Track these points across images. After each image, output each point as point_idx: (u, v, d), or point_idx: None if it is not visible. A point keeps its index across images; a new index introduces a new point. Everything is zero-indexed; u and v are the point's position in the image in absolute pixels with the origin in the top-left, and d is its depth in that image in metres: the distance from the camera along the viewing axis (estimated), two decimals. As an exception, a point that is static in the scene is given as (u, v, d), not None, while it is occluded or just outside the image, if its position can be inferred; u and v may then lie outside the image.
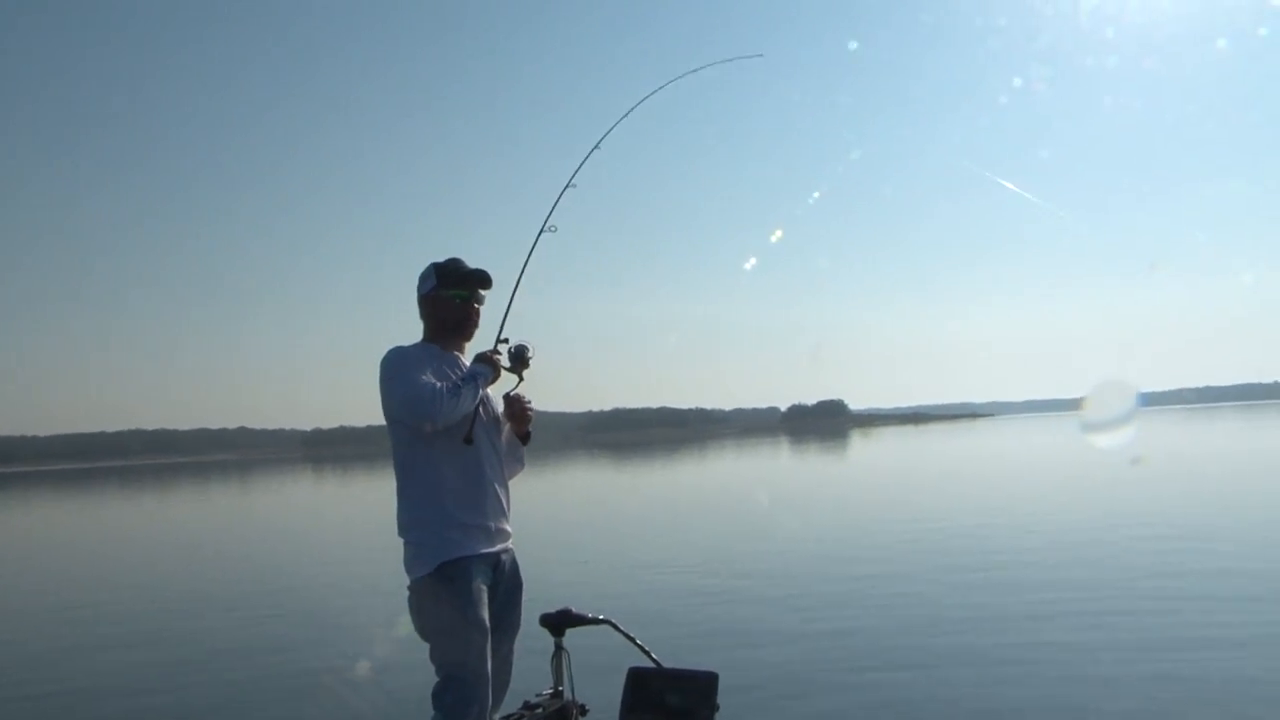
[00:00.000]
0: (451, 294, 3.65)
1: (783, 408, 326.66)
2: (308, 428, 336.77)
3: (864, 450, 60.44)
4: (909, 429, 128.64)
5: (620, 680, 4.19)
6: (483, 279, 3.70)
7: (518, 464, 3.92)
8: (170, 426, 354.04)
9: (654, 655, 4.28)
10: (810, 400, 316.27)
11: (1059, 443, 51.70)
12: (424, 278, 3.71)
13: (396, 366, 3.53)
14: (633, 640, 4.28)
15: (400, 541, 3.59)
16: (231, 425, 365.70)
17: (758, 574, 11.72)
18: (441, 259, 3.74)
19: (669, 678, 4.19)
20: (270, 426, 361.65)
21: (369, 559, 15.53)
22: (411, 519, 3.55)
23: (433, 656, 3.47)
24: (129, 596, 13.24)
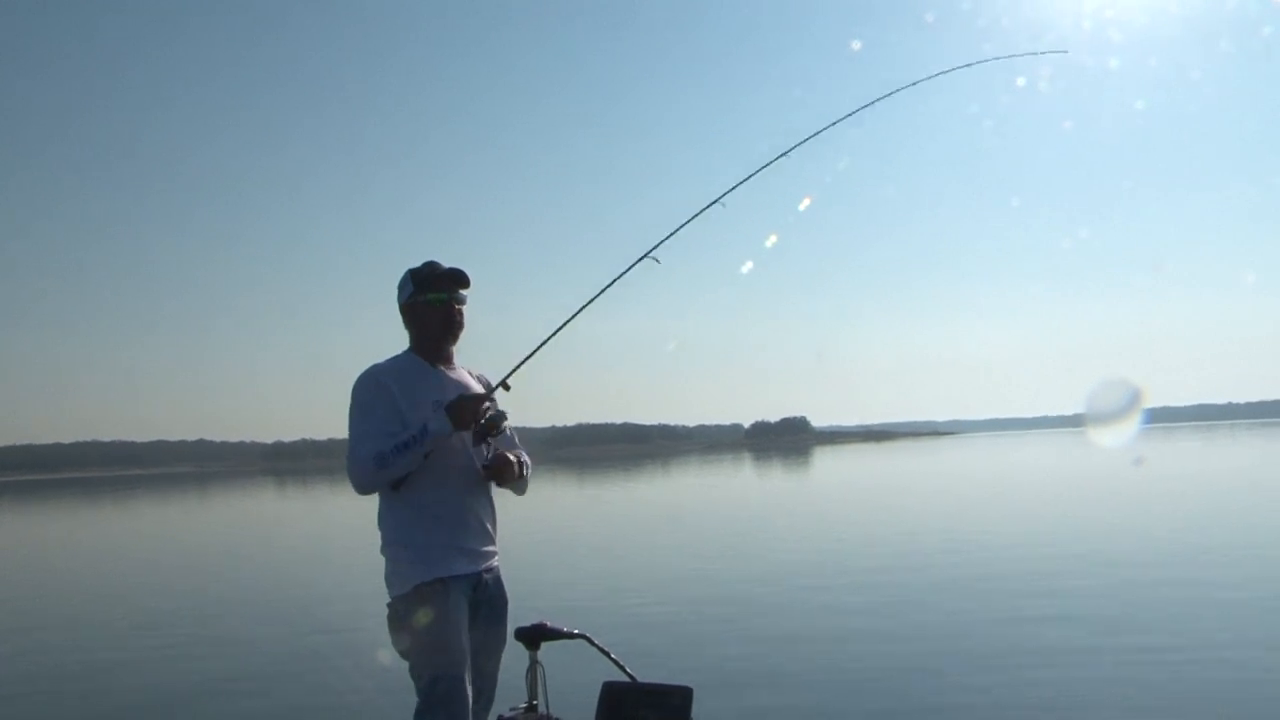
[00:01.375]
0: (430, 298, 3.53)
1: (746, 424, 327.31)
2: (269, 440, 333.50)
3: (831, 466, 60.73)
4: (872, 446, 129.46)
5: (595, 694, 4.16)
6: (458, 278, 3.55)
7: (517, 492, 3.79)
8: (128, 438, 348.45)
9: (629, 670, 4.25)
10: (773, 417, 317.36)
11: (1033, 459, 52.23)
12: (401, 286, 3.60)
13: (354, 407, 3.45)
14: (608, 655, 4.24)
15: (382, 559, 3.55)
16: (191, 437, 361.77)
17: (732, 589, 11.72)
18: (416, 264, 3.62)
19: (644, 692, 4.16)
20: (231, 439, 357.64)
21: (340, 574, 15.39)
22: (391, 538, 3.50)
23: (412, 674, 3.42)
24: (79, 609, 13.01)
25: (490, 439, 3.61)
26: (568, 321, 3.81)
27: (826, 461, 70.01)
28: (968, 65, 4.98)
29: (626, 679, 4.22)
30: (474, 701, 3.47)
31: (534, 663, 4.08)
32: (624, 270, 3.87)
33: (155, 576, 17.12)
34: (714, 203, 4.11)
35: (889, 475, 44.33)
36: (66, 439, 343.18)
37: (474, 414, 3.46)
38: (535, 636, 4.07)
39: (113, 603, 13.64)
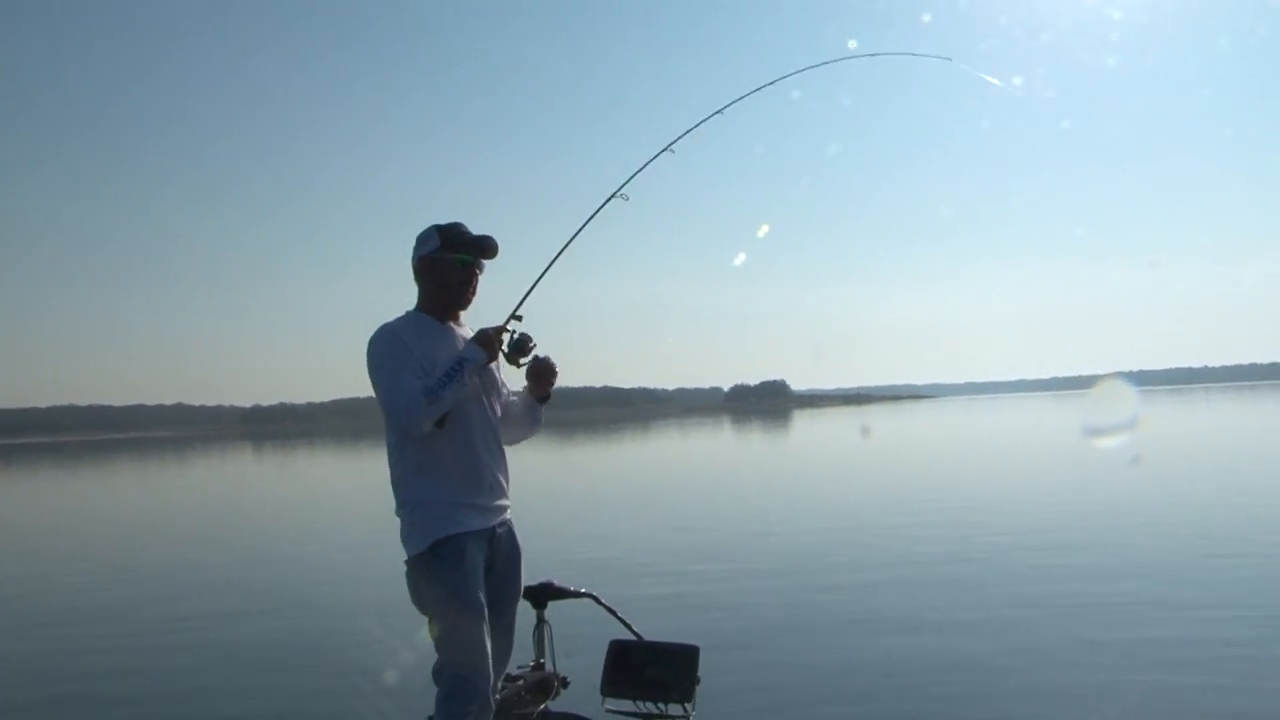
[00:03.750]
0: (455, 257, 3.48)
1: (725, 388, 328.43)
2: (247, 404, 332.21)
3: (812, 429, 61.04)
4: (851, 409, 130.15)
5: (601, 653, 4.15)
6: (488, 246, 3.52)
7: (531, 426, 3.81)
8: (104, 402, 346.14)
9: (635, 628, 4.24)
10: (753, 380, 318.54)
11: (1016, 423, 52.61)
12: (424, 238, 3.52)
13: (379, 360, 3.40)
14: (614, 613, 4.23)
15: (397, 519, 3.52)
16: (168, 401, 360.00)
17: (733, 549, 11.79)
18: (444, 222, 3.55)
19: (650, 650, 4.15)
20: (209, 403, 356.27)
21: (326, 539, 15.36)
22: (405, 498, 3.47)
23: (431, 632, 3.42)
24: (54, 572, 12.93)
25: (524, 360, 3.63)
26: (561, 250, 3.86)
27: (809, 424, 70.37)
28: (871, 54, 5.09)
29: (633, 637, 4.22)
30: (490, 655, 3.46)
31: (541, 621, 4.07)
32: (598, 208, 3.92)
33: (159, 544, 17.02)
34: (665, 149, 4.11)
35: (874, 437, 44.56)
36: (42, 403, 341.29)
37: (498, 341, 3.50)
38: (542, 595, 4.05)
39: (103, 571, 13.54)
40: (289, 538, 16.09)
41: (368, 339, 3.47)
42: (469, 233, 3.52)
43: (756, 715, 5.38)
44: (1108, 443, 28.10)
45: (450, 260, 3.48)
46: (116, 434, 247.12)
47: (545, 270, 3.80)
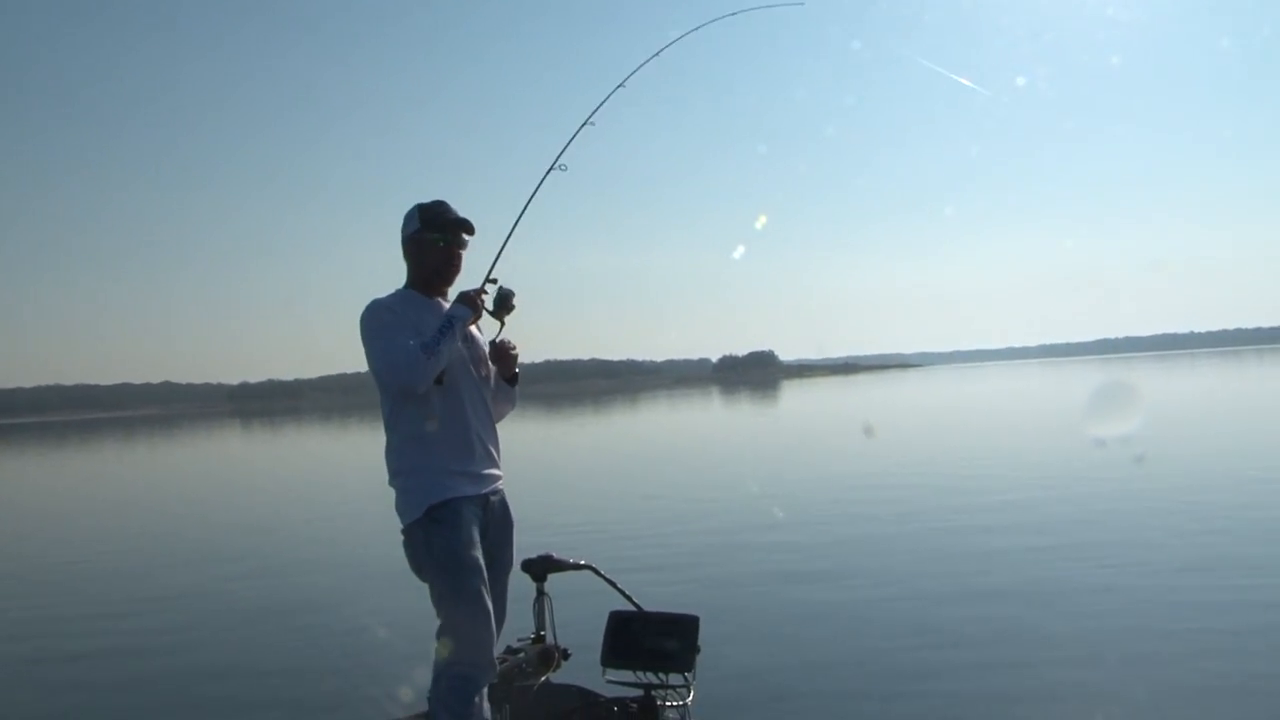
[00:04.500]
0: (434, 237, 3.60)
1: (714, 359, 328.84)
2: (234, 381, 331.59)
3: (805, 399, 61.20)
4: (840, 379, 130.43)
5: (602, 625, 4.14)
6: (464, 225, 3.64)
7: (506, 403, 3.89)
8: (91, 382, 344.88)
9: (635, 600, 4.23)
10: (741, 351, 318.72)
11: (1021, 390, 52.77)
12: (408, 219, 3.66)
13: (373, 329, 3.48)
14: (614, 585, 4.22)
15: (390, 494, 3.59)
16: (155, 379, 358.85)
17: (729, 519, 11.80)
18: (426, 201, 3.68)
19: (650, 621, 4.15)
20: (196, 381, 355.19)
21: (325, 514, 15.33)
22: (399, 466, 3.55)
23: (432, 597, 3.45)
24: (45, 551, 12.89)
25: (507, 314, 3.74)
26: (526, 205, 4.03)
27: (799, 395, 70.52)
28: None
29: (633, 609, 4.21)
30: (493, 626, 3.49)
31: (541, 594, 4.06)
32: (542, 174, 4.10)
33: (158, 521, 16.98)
34: (585, 123, 4.25)
35: (863, 407, 44.72)
36: (27, 383, 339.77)
37: (479, 299, 3.65)
38: (542, 568, 4.04)
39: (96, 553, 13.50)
40: (282, 514, 16.04)
41: (359, 316, 3.56)
42: (450, 213, 3.65)
43: (757, 682, 5.39)
44: (1109, 414, 28.25)
45: (431, 240, 3.61)
46: (103, 413, 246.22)
47: (508, 236, 3.95)
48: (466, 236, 3.65)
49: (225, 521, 15.24)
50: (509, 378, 3.84)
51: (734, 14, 5.27)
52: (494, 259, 3.82)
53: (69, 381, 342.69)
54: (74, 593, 9.76)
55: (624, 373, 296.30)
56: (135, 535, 14.32)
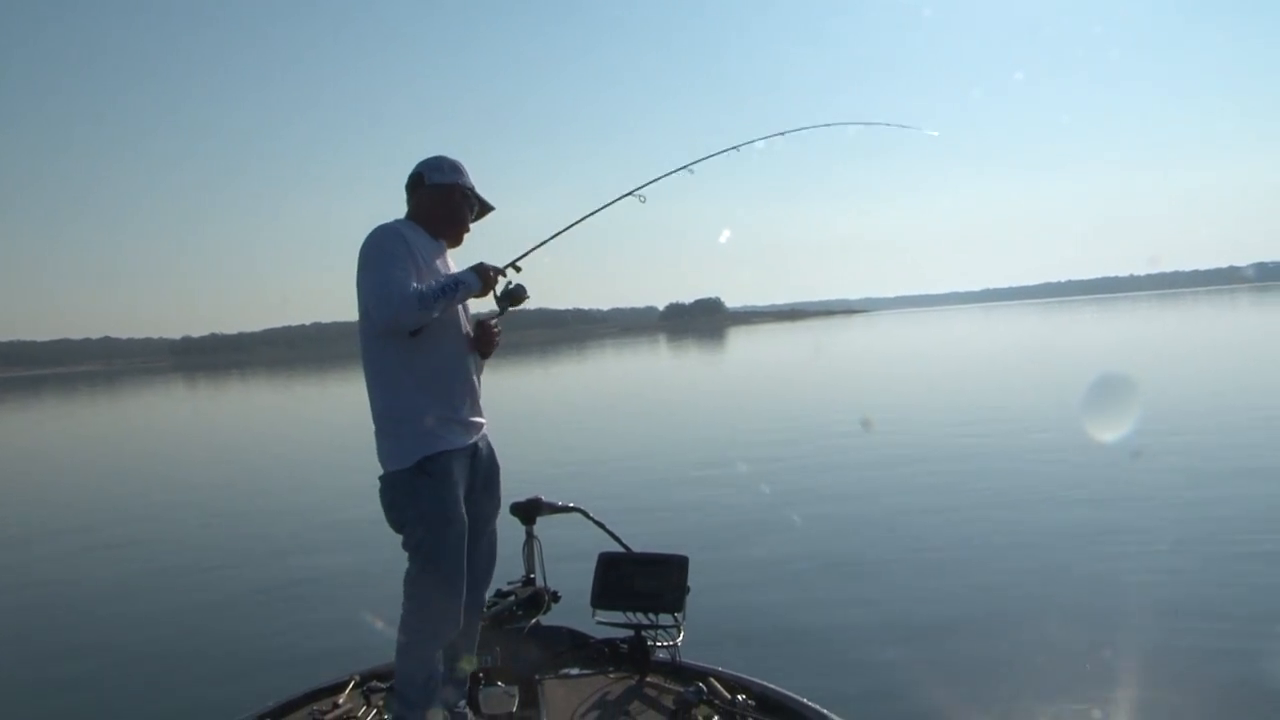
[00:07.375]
0: (468, 201, 3.52)
1: (660, 307, 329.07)
2: (176, 335, 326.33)
3: (753, 346, 61.52)
4: (786, 325, 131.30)
5: (591, 568, 4.12)
6: (488, 209, 3.62)
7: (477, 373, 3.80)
8: (28, 338, 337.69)
9: (624, 541, 4.21)
10: (687, 299, 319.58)
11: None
12: (450, 167, 3.52)
13: (378, 255, 3.30)
14: (603, 527, 4.19)
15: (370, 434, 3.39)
16: (95, 335, 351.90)
17: (708, 462, 11.96)
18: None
19: (639, 562, 4.13)
20: (137, 335, 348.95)
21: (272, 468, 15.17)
22: (388, 409, 3.37)
23: (406, 545, 3.33)
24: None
25: (510, 307, 3.61)
26: (587, 217, 3.97)
27: (747, 341, 70.84)
28: None
29: (622, 550, 4.19)
30: (475, 569, 3.43)
31: (530, 537, 4.01)
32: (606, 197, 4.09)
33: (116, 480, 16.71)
34: (684, 167, 4.21)
35: (823, 354, 45.08)
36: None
37: (494, 280, 3.50)
38: (530, 511, 3.99)
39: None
40: (236, 470, 15.86)
41: (362, 240, 3.37)
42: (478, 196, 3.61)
43: (745, 619, 5.44)
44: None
45: (471, 198, 3.54)
46: (42, 370, 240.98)
47: (555, 235, 3.86)
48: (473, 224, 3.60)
49: (178, 479, 15.04)
50: (483, 355, 3.70)
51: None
52: (532, 247, 3.71)
53: (5, 337, 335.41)
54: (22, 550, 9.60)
55: (570, 321, 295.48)
56: (83, 492, 14.09)
